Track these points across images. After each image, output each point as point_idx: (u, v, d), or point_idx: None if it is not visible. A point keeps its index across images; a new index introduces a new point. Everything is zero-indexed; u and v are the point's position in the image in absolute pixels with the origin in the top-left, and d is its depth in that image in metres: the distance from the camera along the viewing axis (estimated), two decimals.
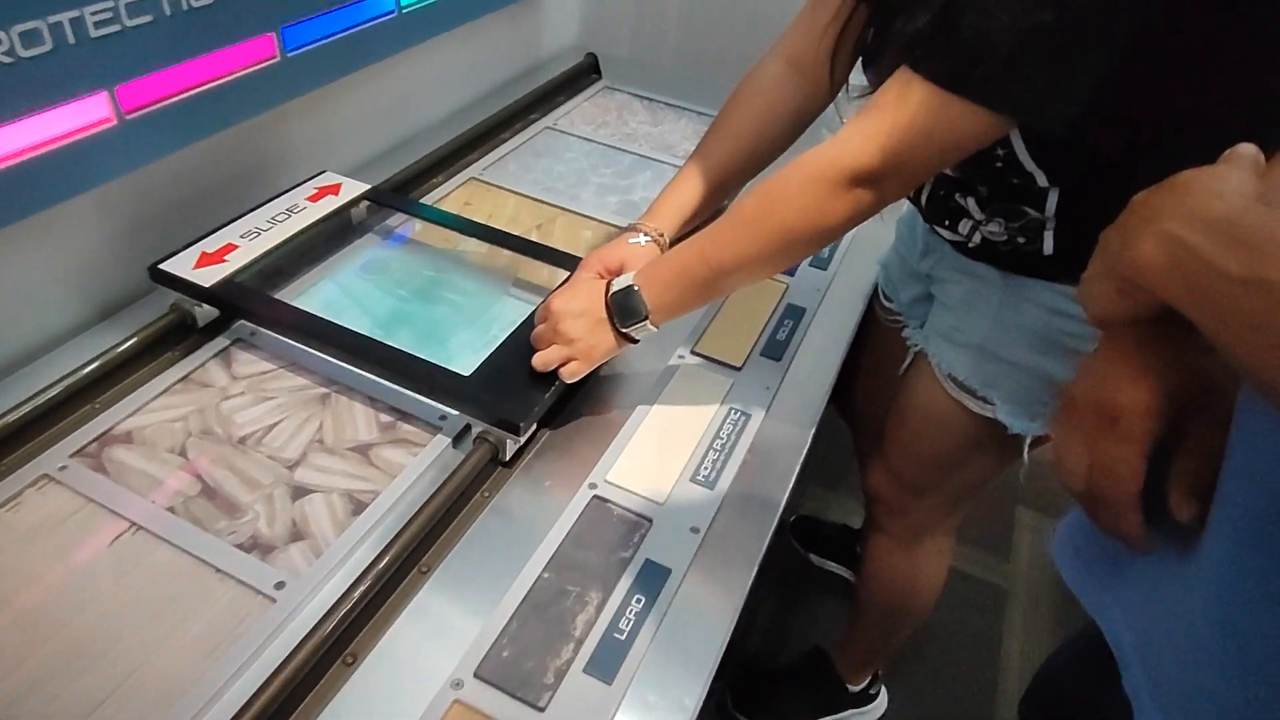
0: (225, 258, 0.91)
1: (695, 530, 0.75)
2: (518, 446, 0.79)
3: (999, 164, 0.75)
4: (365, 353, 0.83)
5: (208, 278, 0.88)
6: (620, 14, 1.93)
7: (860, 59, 0.85)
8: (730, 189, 0.94)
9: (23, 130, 0.74)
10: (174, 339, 0.88)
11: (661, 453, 0.82)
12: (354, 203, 1.04)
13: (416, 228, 1.10)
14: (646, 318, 0.78)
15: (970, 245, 0.87)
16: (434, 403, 0.84)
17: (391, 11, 1.11)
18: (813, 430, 0.87)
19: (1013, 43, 0.59)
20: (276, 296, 0.92)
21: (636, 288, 0.79)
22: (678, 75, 1.65)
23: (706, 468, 0.80)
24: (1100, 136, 0.69)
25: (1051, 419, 0.73)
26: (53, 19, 0.72)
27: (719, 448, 0.83)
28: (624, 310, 0.79)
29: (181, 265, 0.89)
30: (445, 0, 1.20)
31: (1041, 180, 0.75)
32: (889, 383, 1.19)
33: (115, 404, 0.81)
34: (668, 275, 0.79)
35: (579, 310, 0.80)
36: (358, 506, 0.74)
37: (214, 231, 0.95)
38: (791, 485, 0.80)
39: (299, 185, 1.05)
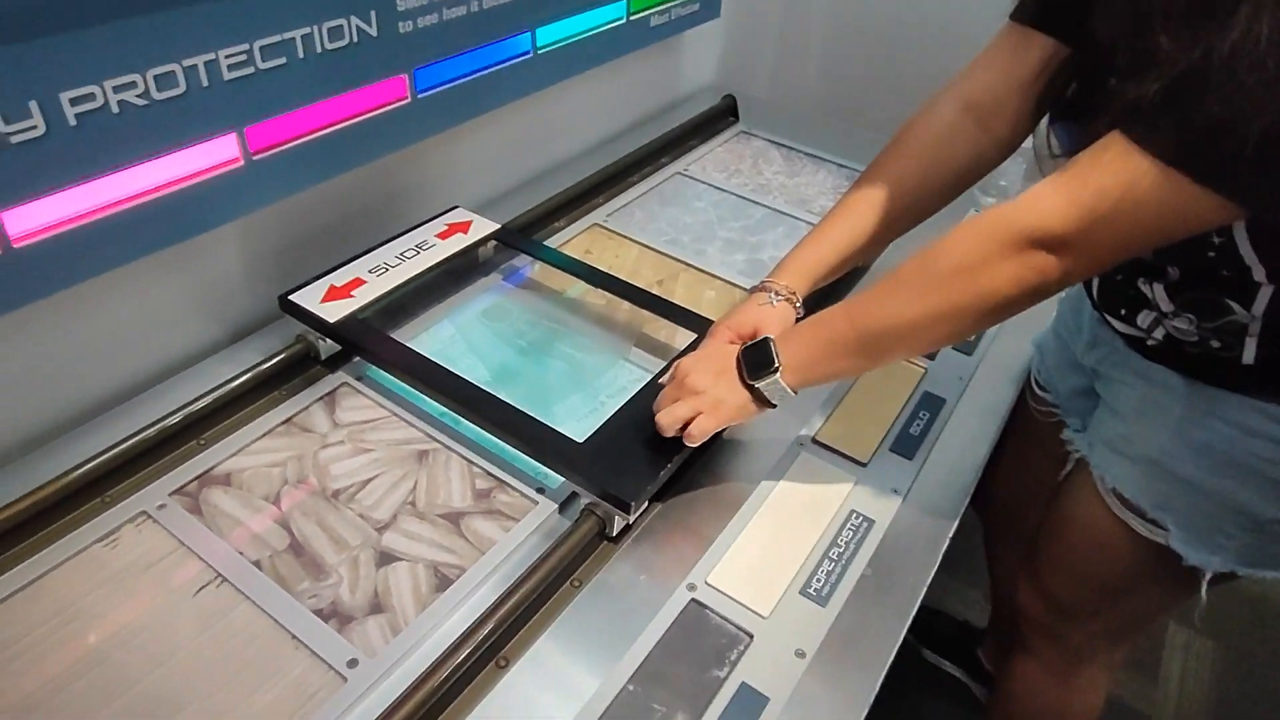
0: (352, 293, 0.91)
1: (801, 654, 0.66)
2: (625, 524, 0.74)
3: (1212, 252, 0.63)
4: (477, 406, 0.80)
5: (333, 312, 0.88)
6: (761, 54, 1.87)
7: (1050, 114, 0.75)
8: (878, 246, 0.84)
9: (150, 171, 0.74)
10: (284, 377, 0.88)
11: (770, 556, 0.73)
12: (482, 242, 1.02)
13: (541, 271, 1.07)
14: (777, 370, 0.71)
15: (1149, 343, 0.74)
16: (538, 467, 0.79)
17: (527, 53, 1.09)
18: (944, 547, 0.76)
19: (1265, 133, 0.49)
20: (397, 337, 0.90)
21: (770, 339, 0.73)
22: (818, 123, 1.56)
23: (819, 579, 0.72)
24: None
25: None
26: (187, 62, 0.72)
27: (835, 557, 0.74)
28: (753, 362, 0.73)
29: (309, 298, 0.90)
30: (583, 41, 1.18)
31: (1259, 275, 0.63)
32: (1035, 478, 1.06)
33: (219, 441, 0.81)
34: (806, 332, 0.73)
35: (707, 366, 0.75)
36: (442, 581, 0.70)
37: (344, 264, 0.95)
38: (914, 613, 0.70)
39: (430, 220, 1.04)
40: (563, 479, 0.78)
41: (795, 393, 0.73)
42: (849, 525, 0.77)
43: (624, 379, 0.92)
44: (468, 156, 1.18)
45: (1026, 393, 0.99)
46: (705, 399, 0.73)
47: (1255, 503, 0.71)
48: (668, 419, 0.74)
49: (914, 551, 0.76)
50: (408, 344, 0.88)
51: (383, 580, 0.70)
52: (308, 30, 0.81)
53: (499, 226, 1.05)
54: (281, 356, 0.87)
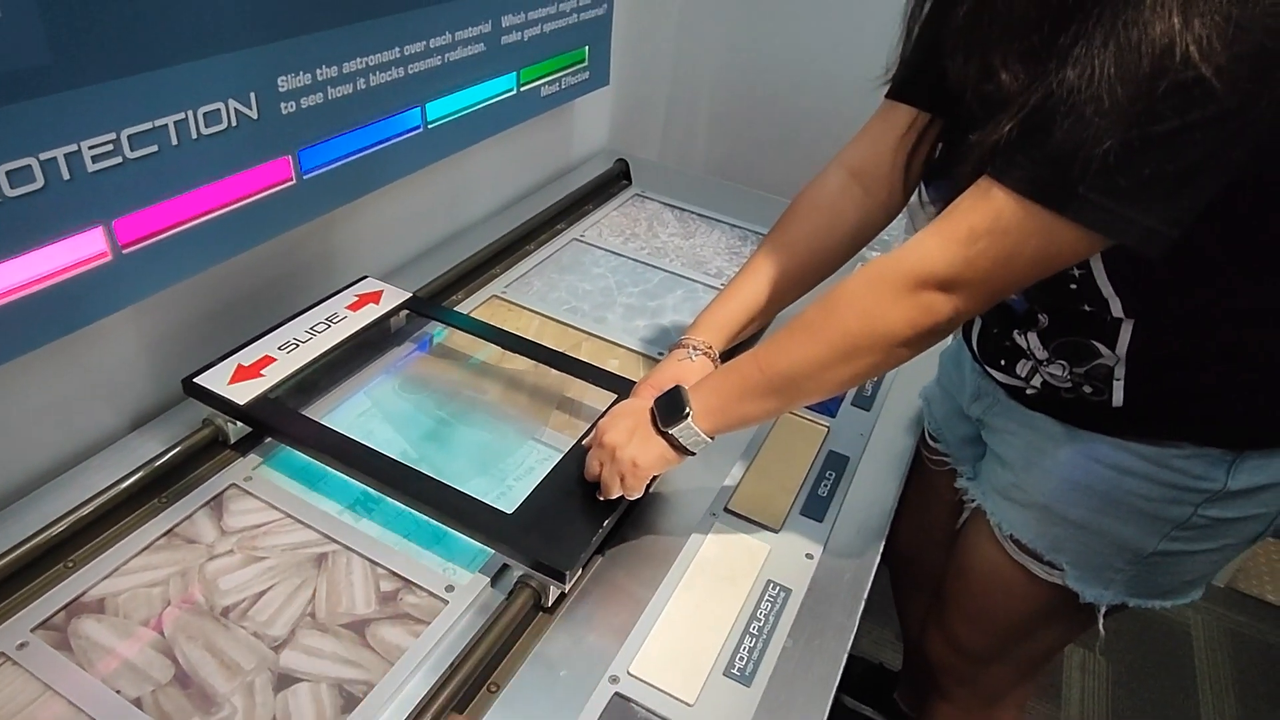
0: (262, 371, 0.87)
1: None
2: (560, 593, 0.73)
3: (1073, 285, 0.68)
4: (400, 482, 0.78)
5: (242, 394, 0.84)
6: (652, 117, 1.92)
7: (923, 174, 0.79)
8: (782, 303, 0.89)
9: (5, 271, 0.68)
10: (171, 479, 0.82)
11: (691, 637, 0.72)
12: (394, 312, 1.00)
13: (457, 338, 1.05)
14: (688, 415, 0.72)
15: (1029, 392, 0.79)
16: (445, 562, 0.76)
17: (418, 128, 1.07)
18: (859, 610, 0.77)
19: (1114, 154, 0.52)
20: (311, 415, 0.88)
21: (682, 387, 0.74)
22: (710, 184, 1.61)
23: (742, 657, 0.71)
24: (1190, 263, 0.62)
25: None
26: (45, 155, 0.67)
27: (755, 631, 0.73)
28: (666, 410, 0.74)
29: (216, 379, 0.86)
30: (474, 114, 1.17)
31: (1116, 308, 0.68)
32: (935, 526, 1.09)
33: (90, 562, 0.73)
34: (716, 378, 0.74)
35: (622, 423, 0.76)
36: (349, 701, 0.65)
37: (252, 342, 0.91)
38: (836, 685, 0.70)
39: (340, 292, 1.01)
40: (474, 567, 0.75)
41: (712, 439, 0.74)
42: (767, 596, 0.77)
43: (556, 442, 0.91)
44: (369, 226, 1.15)
45: (921, 443, 1.03)
46: (622, 456, 0.74)
47: (1138, 537, 0.75)
48: (602, 488, 0.76)
49: (832, 616, 0.76)
50: (322, 421, 0.84)
51: (282, 707, 0.64)
52: (181, 116, 0.77)
53: (410, 295, 1.03)
54: (187, 443, 0.83)
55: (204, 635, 0.69)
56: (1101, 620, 0.82)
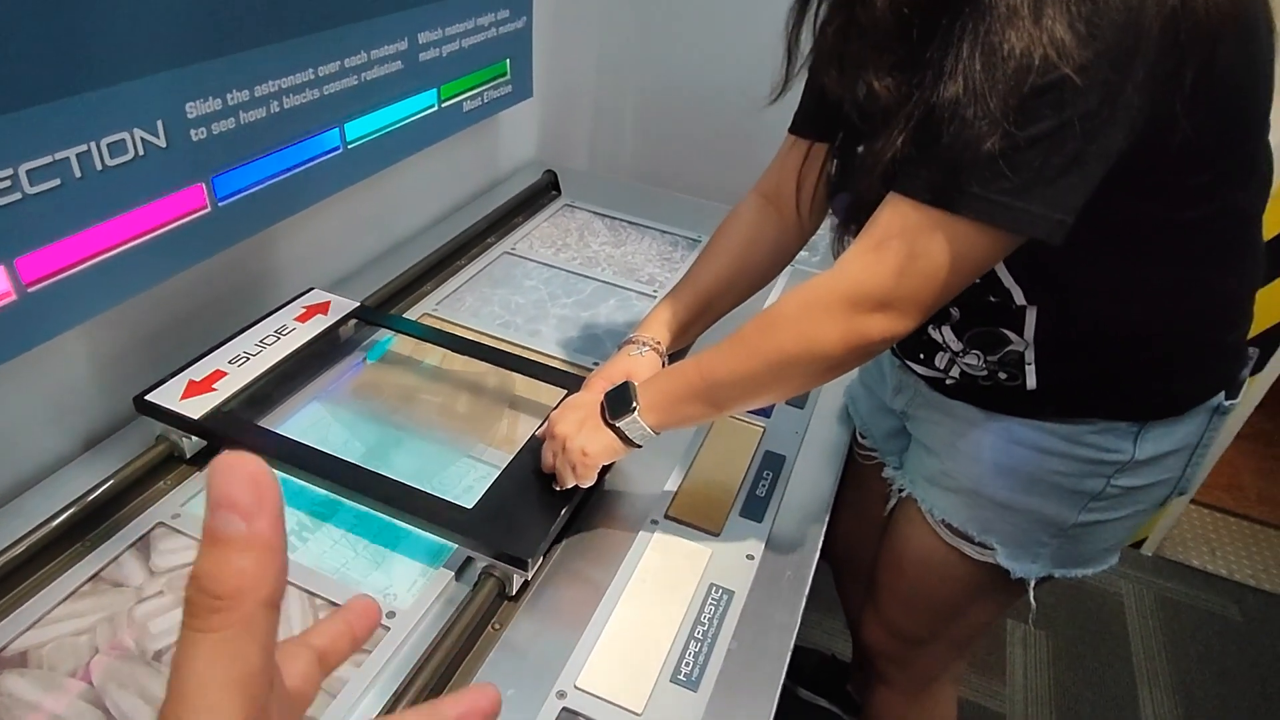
0: (214, 385, 0.88)
1: None
2: (524, 580, 0.76)
3: (978, 280, 0.70)
4: (361, 484, 0.80)
5: (195, 408, 0.85)
6: (577, 127, 1.92)
7: (830, 193, 0.82)
8: (720, 308, 0.92)
9: None
10: (79, 533, 0.78)
11: (636, 645, 0.73)
12: (343, 321, 1.02)
13: (407, 344, 1.07)
14: (634, 410, 0.75)
15: (948, 382, 0.82)
16: (385, 586, 0.75)
17: (337, 148, 1.06)
18: (801, 607, 0.79)
19: (999, 152, 0.55)
20: (268, 425, 0.88)
21: (631, 383, 0.77)
22: (638, 191, 1.62)
23: (688, 663, 0.72)
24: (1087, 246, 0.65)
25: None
26: None
27: (700, 636, 0.74)
28: (614, 404, 0.77)
29: (168, 395, 0.86)
30: (395, 132, 1.16)
31: (1019, 298, 0.71)
32: (868, 518, 1.12)
33: (10, 614, 0.70)
34: (661, 379, 0.77)
35: (572, 415, 0.79)
36: None
37: (201, 357, 0.92)
38: (781, 684, 0.72)
39: (287, 304, 1.03)
40: (414, 590, 0.74)
41: (657, 433, 0.77)
42: (710, 600, 0.78)
43: (510, 437, 0.94)
44: (285, 249, 1.12)
45: (852, 440, 1.06)
46: (572, 447, 0.77)
47: (1059, 512, 0.80)
48: (560, 475, 0.79)
49: (775, 615, 0.78)
50: (279, 431, 0.86)
51: None
52: (84, 148, 0.75)
53: (358, 304, 1.04)
54: (143, 458, 0.84)
55: (136, 681, 0.67)
56: (1031, 593, 0.86)
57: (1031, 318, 0.72)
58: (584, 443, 0.77)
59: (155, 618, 0.72)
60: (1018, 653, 1.68)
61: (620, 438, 0.77)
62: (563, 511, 0.79)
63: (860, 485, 1.09)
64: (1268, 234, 1.57)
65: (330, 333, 1.00)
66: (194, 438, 0.85)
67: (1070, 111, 0.53)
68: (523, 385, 1.01)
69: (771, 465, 0.95)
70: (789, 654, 0.74)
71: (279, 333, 0.97)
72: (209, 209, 0.90)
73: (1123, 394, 0.74)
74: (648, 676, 0.70)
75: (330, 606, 0.74)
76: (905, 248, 0.61)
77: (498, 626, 0.74)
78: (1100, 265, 0.68)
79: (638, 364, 0.86)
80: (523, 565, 0.73)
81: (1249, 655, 1.73)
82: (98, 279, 0.80)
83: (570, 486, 0.79)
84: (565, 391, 0.92)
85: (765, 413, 1.03)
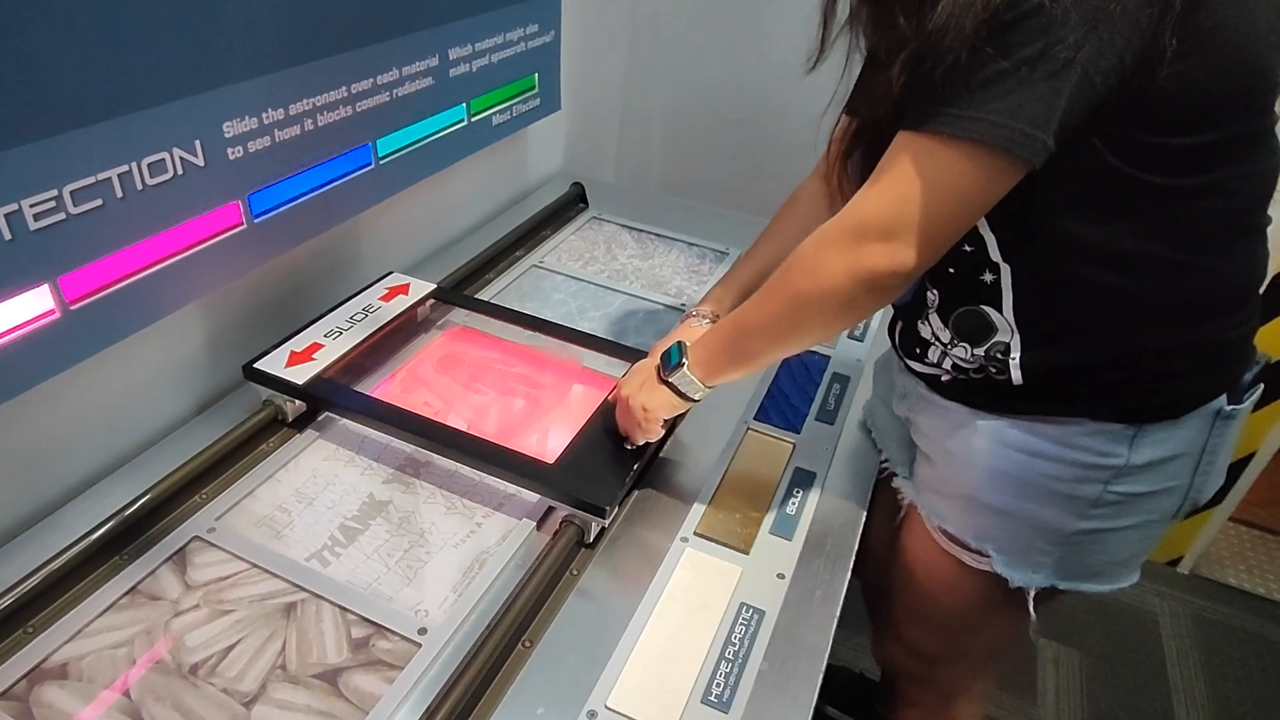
0: (314, 356, 0.98)
1: None
2: (601, 528, 0.84)
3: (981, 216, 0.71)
4: (452, 441, 0.89)
5: (299, 375, 0.94)
6: (605, 138, 1.93)
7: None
8: None
9: None
10: (116, 546, 0.80)
11: (667, 665, 0.73)
12: (422, 301, 1.12)
13: (482, 323, 1.15)
14: (683, 365, 0.82)
15: (944, 379, 0.82)
16: (418, 604, 0.75)
17: (369, 164, 1.07)
18: (833, 627, 0.78)
19: (978, 75, 0.59)
20: (364, 390, 0.98)
21: (682, 343, 0.84)
22: (666, 203, 1.62)
23: (719, 683, 0.72)
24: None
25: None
26: None
27: (731, 656, 0.74)
28: (666, 361, 0.84)
29: (274, 364, 0.96)
30: (426, 147, 1.17)
31: (993, 251, 0.71)
32: (891, 535, 1.11)
33: (51, 626, 0.72)
34: (707, 335, 0.83)
35: (634, 377, 0.88)
36: None
37: (298, 332, 1.01)
38: (814, 705, 0.71)
39: (370, 286, 1.13)
40: (446, 604, 0.75)
41: (709, 387, 0.82)
42: (740, 620, 0.77)
43: (582, 403, 1.02)
44: (309, 270, 1.14)
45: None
46: (634, 403, 0.85)
47: (1057, 518, 0.78)
48: (624, 435, 0.88)
49: (806, 635, 0.77)
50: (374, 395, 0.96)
51: None
52: (125, 169, 0.76)
53: (435, 285, 1.14)
54: (252, 420, 0.92)
55: (172, 695, 0.68)
56: (1031, 606, 0.84)
57: (1008, 289, 0.72)
58: (644, 400, 0.84)
59: (191, 631, 0.73)
60: (1050, 673, 1.65)
61: (675, 393, 0.83)
62: (635, 466, 0.87)
63: (886, 499, 1.08)
64: None
65: (412, 310, 1.10)
66: (297, 401, 0.95)
67: (1050, 35, 0.56)
68: (590, 359, 1.09)
69: (802, 482, 0.94)
70: (821, 675, 0.74)
71: (366, 310, 1.07)
72: (244, 225, 0.91)
73: (1111, 392, 0.73)
74: (679, 697, 0.70)
75: (363, 623, 0.74)
76: (901, 176, 0.64)
77: (575, 572, 0.82)
78: (1079, 225, 0.67)
79: (694, 332, 0.90)
80: (601, 513, 0.81)
81: None
82: (138, 296, 0.82)
83: (640, 444, 0.87)
84: (629, 363, 0.99)
85: (795, 428, 1.02)
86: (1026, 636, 0.86)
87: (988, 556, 0.83)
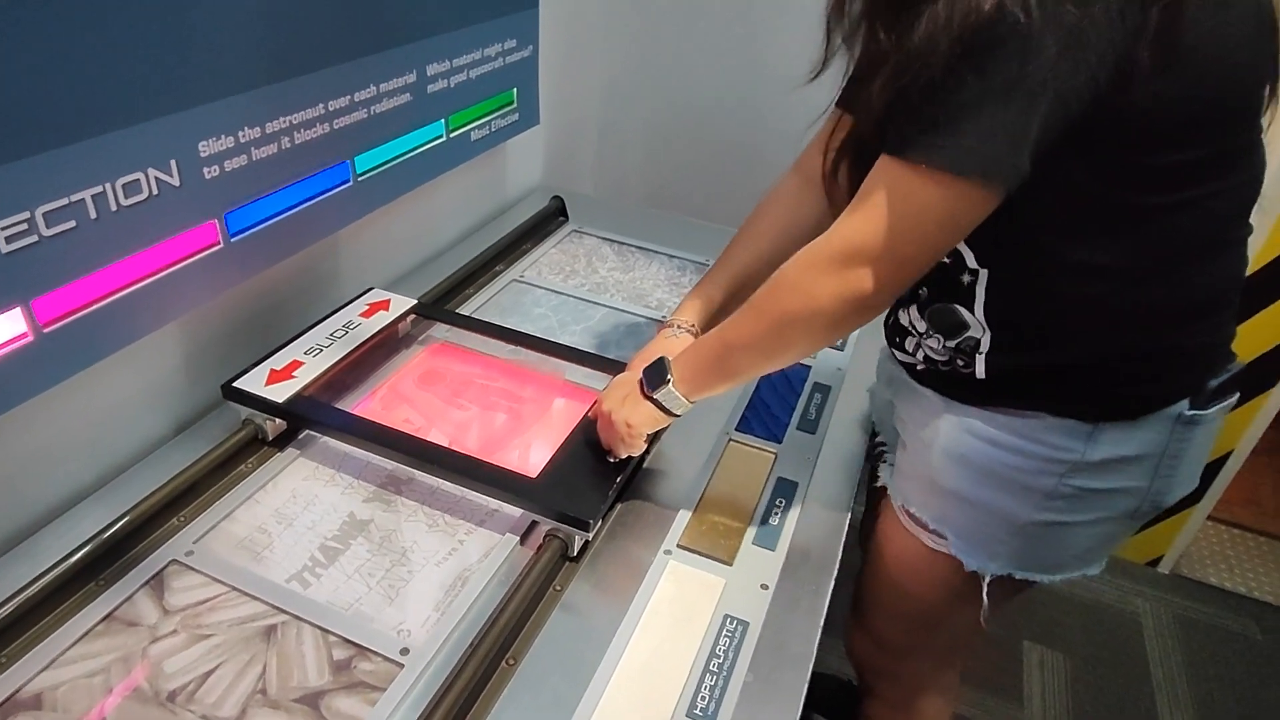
0: (293, 373, 0.96)
1: None
2: (585, 541, 0.84)
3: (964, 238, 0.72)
4: (433, 457, 0.88)
5: (279, 393, 0.93)
6: (584, 151, 1.94)
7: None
8: (755, 287, 0.92)
9: None
10: (91, 572, 0.78)
11: (651, 680, 0.72)
12: (403, 316, 1.11)
13: (462, 337, 1.15)
14: (669, 382, 0.82)
15: (919, 368, 0.84)
16: (400, 623, 0.75)
17: (346, 181, 1.07)
18: (817, 636, 0.78)
19: (951, 100, 0.59)
20: (344, 408, 0.98)
21: (666, 358, 0.83)
22: (646, 216, 1.63)
23: (704, 697, 0.71)
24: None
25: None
26: None
27: (715, 669, 0.74)
28: (650, 376, 0.83)
29: (253, 382, 0.94)
30: (404, 163, 1.17)
31: (970, 260, 0.72)
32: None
33: (24, 656, 0.71)
34: (691, 350, 0.83)
35: (616, 392, 0.87)
36: None
37: (279, 349, 1.00)
38: (799, 715, 0.71)
39: (351, 302, 1.12)
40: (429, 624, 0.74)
41: (692, 401, 0.82)
42: (725, 632, 0.77)
43: (564, 416, 1.02)
44: (292, 287, 1.13)
45: (870, 445, 1.06)
46: (616, 419, 0.84)
47: (1012, 507, 0.79)
48: (610, 446, 0.88)
49: (791, 645, 0.77)
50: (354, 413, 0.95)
51: None
52: (99, 190, 0.76)
53: (416, 301, 1.13)
54: (232, 440, 0.91)
55: None
56: (985, 590, 0.85)
57: (981, 290, 0.73)
58: (627, 415, 0.84)
59: (169, 657, 0.72)
60: (1035, 675, 1.66)
61: (659, 408, 0.83)
62: (617, 479, 0.87)
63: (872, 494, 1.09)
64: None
65: (392, 327, 1.10)
66: (277, 420, 0.94)
67: (1026, 58, 0.56)
68: (571, 372, 1.09)
69: (784, 492, 0.94)
70: (805, 686, 0.74)
71: (347, 327, 1.06)
72: (222, 244, 0.91)
73: (1069, 390, 0.74)
74: (663, 711, 0.70)
75: (345, 644, 0.74)
76: (882, 201, 0.65)
77: (559, 588, 0.81)
78: (1055, 240, 0.68)
79: (673, 345, 0.90)
80: (585, 526, 0.81)
81: (1271, 675, 1.70)
82: (114, 317, 0.81)
83: (623, 457, 0.87)
84: (610, 376, 0.97)
85: (776, 437, 1.02)
86: (987, 632, 0.87)
87: (945, 539, 0.84)
